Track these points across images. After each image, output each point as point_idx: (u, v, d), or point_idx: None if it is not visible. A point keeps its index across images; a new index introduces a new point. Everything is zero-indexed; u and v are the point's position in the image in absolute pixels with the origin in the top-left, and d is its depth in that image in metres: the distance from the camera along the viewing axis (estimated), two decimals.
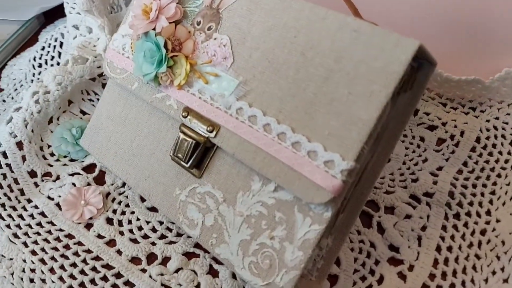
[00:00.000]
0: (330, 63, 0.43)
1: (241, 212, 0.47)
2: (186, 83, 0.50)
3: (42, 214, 0.58)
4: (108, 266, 0.53)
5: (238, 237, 0.47)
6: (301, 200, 0.44)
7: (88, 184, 0.62)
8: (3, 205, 0.58)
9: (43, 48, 0.84)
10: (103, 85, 0.75)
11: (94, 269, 0.53)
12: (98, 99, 0.74)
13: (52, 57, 0.82)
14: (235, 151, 0.46)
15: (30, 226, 0.57)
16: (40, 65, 0.82)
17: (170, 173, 0.53)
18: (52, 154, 0.66)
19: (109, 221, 0.58)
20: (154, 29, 0.51)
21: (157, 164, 0.54)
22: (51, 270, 0.52)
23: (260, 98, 0.46)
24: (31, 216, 0.58)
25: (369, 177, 0.49)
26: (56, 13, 0.94)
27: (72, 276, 0.52)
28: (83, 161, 0.65)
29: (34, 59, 0.82)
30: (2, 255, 0.53)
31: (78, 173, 0.63)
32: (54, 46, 0.83)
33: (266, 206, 0.46)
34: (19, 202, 0.59)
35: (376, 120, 0.40)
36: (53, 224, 0.57)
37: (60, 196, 0.60)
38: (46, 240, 0.55)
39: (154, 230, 0.57)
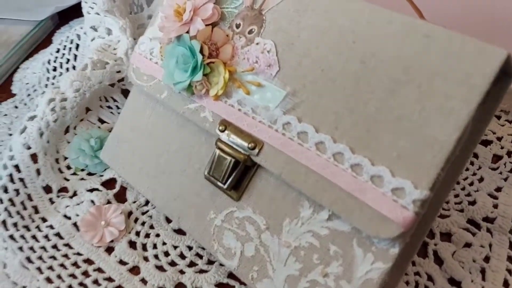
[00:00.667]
0: (396, 73, 0.37)
1: (287, 243, 0.42)
2: (224, 93, 0.45)
3: (58, 235, 0.53)
4: None
5: (284, 271, 0.41)
6: (362, 233, 0.38)
7: (108, 201, 0.57)
8: (15, 224, 0.53)
9: (58, 51, 0.79)
10: (122, 91, 0.70)
11: None
12: (117, 106, 0.69)
13: (68, 60, 0.78)
14: (281, 172, 0.41)
15: (45, 249, 0.52)
16: (55, 69, 0.77)
17: (204, 193, 0.47)
18: (68, 167, 0.61)
19: (132, 244, 0.53)
20: (187, 32, 0.46)
21: (189, 183, 0.48)
22: None
23: (311, 112, 0.40)
24: (46, 237, 0.53)
25: (435, 204, 0.43)
26: (71, 13, 0.89)
27: None
28: (102, 175, 0.60)
29: (49, 62, 0.77)
30: (14, 283, 0.48)
31: (97, 189, 0.58)
32: (70, 48, 0.79)
33: (318, 237, 0.40)
34: (33, 221, 0.54)
35: (456, 142, 0.34)
36: (70, 247, 0.52)
37: (78, 215, 0.55)
38: (62, 265, 0.50)
39: (182, 256, 0.51)
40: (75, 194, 0.58)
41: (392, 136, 0.37)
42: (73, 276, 0.49)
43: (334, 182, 0.38)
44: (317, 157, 0.39)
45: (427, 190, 0.35)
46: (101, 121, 0.67)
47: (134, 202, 0.57)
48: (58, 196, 0.58)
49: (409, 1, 0.44)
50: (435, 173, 0.35)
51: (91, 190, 0.58)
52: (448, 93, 0.35)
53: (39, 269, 0.50)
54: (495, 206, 0.54)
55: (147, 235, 0.53)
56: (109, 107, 0.69)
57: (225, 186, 0.44)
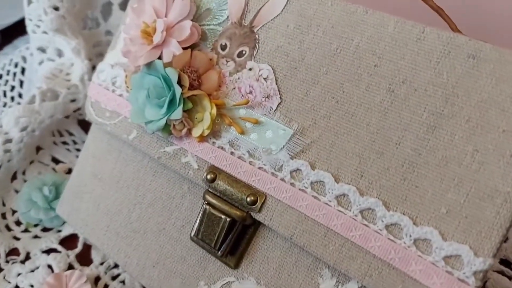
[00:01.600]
0: (436, 104, 0.29)
1: None
2: (211, 133, 0.36)
3: None
4: None
5: None
6: None
7: (70, 265, 0.47)
8: None
9: (0, 77, 0.68)
10: (80, 123, 0.60)
11: None
12: (74, 141, 0.59)
13: (12, 88, 0.67)
14: (293, 234, 0.32)
15: None
16: None
17: (191, 259, 0.38)
18: (18, 223, 0.51)
19: None
20: (160, 57, 0.37)
21: (170, 245, 0.39)
22: None
23: (327, 156, 0.32)
24: None
25: None
26: (15, 30, 0.78)
27: None
28: (60, 231, 0.50)
29: None
30: None
31: (55, 250, 0.48)
32: (14, 74, 0.68)
33: None
34: None
35: None
36: None
37: (32, 286, 0.45)
38: None
39: None
40: (28, 257, 0.48)
41: (437, 186, 0.29)
42: None
43: (364, 247, 0.30)
44: (340, 215, 0.31)
45: (490, 258, 0.27)
46: (56, 161, 0.57)
47: (102, 263, 0.47)
48: (7, 261, 0.47)
49: (439, 10, 0.37)
50: (500, 235, 0.27)
51: (48, 252, 0.48)
52: (507, 128, 0.28)
53: None
54: None
55: None
56: (64, 142, 0.59)
57: (219, 253, 0.35)
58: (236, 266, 0.36)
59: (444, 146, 0.29)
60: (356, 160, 0.31)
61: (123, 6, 0.64)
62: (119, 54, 0.41)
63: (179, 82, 0.36)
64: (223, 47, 0.37)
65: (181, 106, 0.35)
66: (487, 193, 0.27)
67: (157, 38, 0.36)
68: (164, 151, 0.38)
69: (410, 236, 0.29)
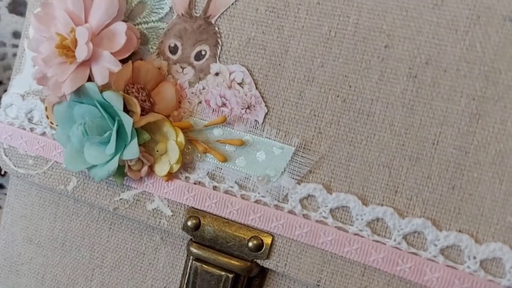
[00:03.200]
0: (475, 85, 0.23)
1: None
2: (181, 167, 0.27)
3: None
4: None
5: None
6: None
7: None
8: None
9: None
10: None
11: None
12: None
13: None
14: (319, 279, 0.26)
15: None
16: None
17: None
18: None
19: None
20: (90, 78, 0.27)
21: None
22: None
23: (345, 172, 0.25)
24: None
25: None
26: None
27: None
28: None
29: None
30: None
31: None
32: None
33: None
34: None
35: None
36: None
37: None
38: None
39: None
40: None
41: (496, 189, 0.23)
42: None
43: (419, 283, 0.24)
44: (379, 246, 0.24)
45: None
46: None
47: None
48: None
49: None
50: None
51: None
52: None
53: None
54: None
55: None
56: None
57: None
58: None
59: (496, 138, 0.23)
60: (384, 172, 0.24)
61: (13, 8, 0.51)
62: (29, 79, 0.31)
63: (125, 109, 0.26)
64: (173, 50, 0.28)
65: (135, 139, 0.26)
66: None
67: (82, 53, 0.26)
68: (121, 199, 0.29)
69: (475, 258, 0.23)
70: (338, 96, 0.25)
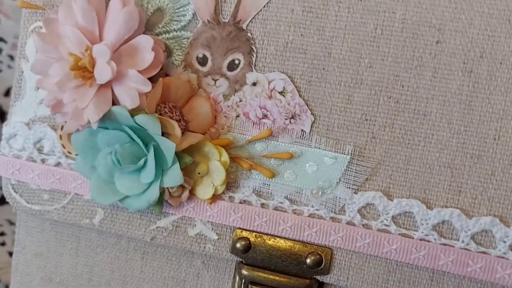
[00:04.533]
0: None
1: None
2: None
3: None
4: None
5: None
6: None
7: None
8: None
9: None
10: None
11: None
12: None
13: None
14: None
15: None
16: None
17: None
18: None
19: None
20: (114, 102, 0.24)
21: None
22: None
23: (404, 177, 0.24)
24: None
25: None
26: None
27: None
28: None
29: None
30: None
31: None
32: None
33: None
34: None
35: None
36: None
37: None
38: None
39: None
40: None
41: None
42: None
43: (491, 281, 0.24)
44: (447, 249, 0.24)
45: None
46: None
47: None
48: None
49: None
50: None
51: None
52: None
53: None
54: None
55: None
56: None
57: None
58: None
59: None
60: (446, 173, 0.24)
61: None
62: (33, 105, 0.28)
63: (165, 131, 0.24)
64: (202, 61, 0.26)
65: (177, 164, 0.24)
66: None
67: (104, 74, 0.24)
68: (158, 227, 0.27)
69: None
70: (390, 98, 0.24)
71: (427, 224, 0.24)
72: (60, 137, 0.27)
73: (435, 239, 0.24)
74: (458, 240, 0.24)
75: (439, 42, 0.24)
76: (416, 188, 0.24)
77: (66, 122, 0.26)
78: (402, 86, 0.24)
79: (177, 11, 0.26)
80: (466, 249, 0.24)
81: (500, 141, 0.23)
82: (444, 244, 0.24)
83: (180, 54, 0.26)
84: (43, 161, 0.28)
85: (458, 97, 0.24)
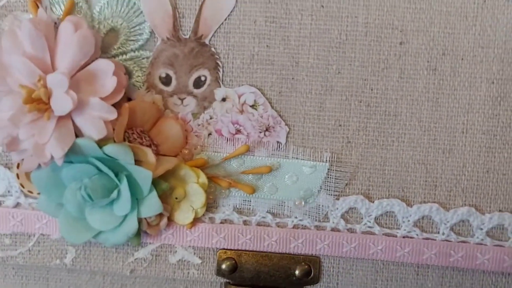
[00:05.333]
0: (493, 69, 0.24)
1: None
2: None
3: None
4: None
5: None
6: None
7: None
8: None
9: None
10: None
11: None
12: None
13: None
14: None
15: None
16: None
17: None
18: None
19: None
20: (75, 132, 0.23)
21: None
22: None
23: (382, 178, 0.25)
24: None
25: None
26: None
27: None
28: None
29: None
30: None
31: None
32: None
33: None
34: None
35: None
36: None
37: None
38: None
39: None
40: None
41: None
42: None
43: (470, 268, 0.25)
44: (429, 243, 0.25)
45: None
46: None
47: None
48: None
49: None
50: None
51: None
52: None
53: None
54: None
55: None
56: None
57: None
58: None
59: None
60: (421, 169, 0.25)
61: None
62: None
63: (139, 159, 0.23)
64: (166, 81, 0.25)
65: (154, 192, 0.23)
66: None
67: (63, 106, 0.22)
68: (136, 259, 0.26)
69: None
70: (361, 102, 0.24)
71: (409, 221, 0.25)
72: (17, 176, 0.25)
73: (417, 235, 0.25)
74: (439, 232, 0.25)
75: (403, 43, 0.24)
76: (394, 187, 0.25)
77: (23, 159, 0.24)
78: (371, 89, 0.24)
79: (132, 30, 0.24)
80: (447, 240, 0.25)
81: (468, 134, 0.24)
82: (426, 238, 0.25)
83: (141, 75, 0.25)
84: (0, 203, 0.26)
85: (425, 95, 0.24)
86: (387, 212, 0.25)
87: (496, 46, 0.24)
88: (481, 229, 0.25)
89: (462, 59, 0.24)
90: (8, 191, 0.26)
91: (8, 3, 0.25)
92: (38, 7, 0.24)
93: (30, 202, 0.25)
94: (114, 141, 0.23)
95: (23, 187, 0.25)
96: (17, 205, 0.26)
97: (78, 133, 0.23)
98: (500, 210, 0.25)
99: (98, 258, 0.26)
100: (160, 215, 0.24)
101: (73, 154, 0.23)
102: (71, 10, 0.24)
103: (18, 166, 0.25)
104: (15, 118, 0.23)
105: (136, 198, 0.24)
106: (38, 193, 0.25)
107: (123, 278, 0.28)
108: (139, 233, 0.24)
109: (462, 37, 0.24)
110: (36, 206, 0.25)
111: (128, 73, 0.25)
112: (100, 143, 0.23)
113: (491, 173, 0.24)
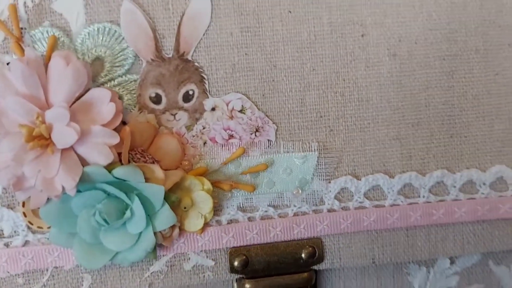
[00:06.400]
0: (441, 48, 0.28)
1: None
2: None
3: None
4: None
5: None
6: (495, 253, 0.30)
7: None
8: None
9: None
10: None
11: None
12: None
13: None
14: (373, 257, 0.29)
15: None
16: None
17: None
18: None
19: None
20: (81, 161, 0.24)
21: None
22: None
23: (364, 157, 0.28)
24: None
25: None
26: None
27: None
28: None
29: None
30: None
31: None
32: None
33: None
34: None
35: None
36: None
37: None
38: None
39: None
40: None
41: (482, 125, 0.28)
42: None
43: (451, 223, 0.28)
44: (414, 207, 0.28)
45: None
46: None
47: None
48: None
49: None
50: None
51: None
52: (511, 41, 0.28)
53: None
54: None
55: None
56: None
57: None
58: None
59: (469, 85, 0.28)
60: (396, 144, 0.28)
61: None
62: None
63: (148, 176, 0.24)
64: (156, 99, 0.26)
65: (166, 206, 0.24)
66: None
67: (67, 138, 0.23)
68: (152, 273, 0.27)
69: (484, 184, 0.29)
70: (336, 93, 0.27)
71: (393, 191, 0.28)
72: (24, 214, 0.25)
73: (402, 202, 0.28)
74: (420, 196, 0.28)
75: (364, 35, 0.27)
76: (376, 164, 0.28)
77: (30, 197, 0.24)
78: (344, 80, 0.27)
79: (117, 56, 0.26)
80: (428, 202, 0.28)
81: (430, 107, 0.28)
82: (411, 204, 0.28)
83: (130, 97, 0.26)
84: (6, 245, 0.26)
85: (390, 79, 0.28)
86: (374, 186, 0.28)
87: (441, 28, 0.28)
88: (454, 186, 0.28)
89: (416, 42, 0.28)
90: (15, 231, 0.26)
91: None
92: (21, 47, 0.25)
93: (39, 238, 0.26)
94: (120, 164, 0.24)
95: (31, 224, 0.26)
96: (26, 243, 0.26)
97: (82, 162, 0.24)
98: (467, 168, 0.28)
99: (115, 279, 0.27)
100: (173, 227, 0.26)
101: (81, 183, 0.24)
102: (54, 46, 0.25)
103: (23, 205, 0.25)
104: (18, 158, 0.23)
105: (148, 214, 0.25)
106: (48, 227, 0.25)
107: None
108: (155, 247, 0.26)
109: (412, 24, 0.27)
110: (45, 241, 0.26)
111: (119, 98, 0.26)
112: (108, 167, 0.24)
113: (455, 137, 0.28)
